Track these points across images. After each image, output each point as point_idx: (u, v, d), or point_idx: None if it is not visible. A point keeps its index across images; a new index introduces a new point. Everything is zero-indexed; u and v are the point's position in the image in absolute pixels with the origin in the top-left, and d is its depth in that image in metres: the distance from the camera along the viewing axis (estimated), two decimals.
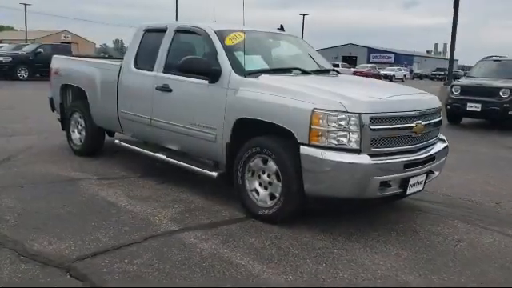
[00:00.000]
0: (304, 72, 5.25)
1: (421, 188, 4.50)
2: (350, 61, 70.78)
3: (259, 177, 4.50)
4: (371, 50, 79.87)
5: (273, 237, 4.10)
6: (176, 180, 5.69)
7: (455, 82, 13.15)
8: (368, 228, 4.42)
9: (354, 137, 3.93)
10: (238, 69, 4.78)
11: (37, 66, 23.05)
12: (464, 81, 13.23)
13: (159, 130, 5.50)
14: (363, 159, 3.94)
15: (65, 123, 7.18)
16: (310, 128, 3.97)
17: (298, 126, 4.07)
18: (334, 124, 3.93)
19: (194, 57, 4.93)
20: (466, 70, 40.69)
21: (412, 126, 4.25)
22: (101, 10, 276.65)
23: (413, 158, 4.28)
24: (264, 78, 4.69)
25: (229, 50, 4.95)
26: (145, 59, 5.85)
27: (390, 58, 77.28)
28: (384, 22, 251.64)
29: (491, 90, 11.84)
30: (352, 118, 3.91)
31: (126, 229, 4.15)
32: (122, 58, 7.69)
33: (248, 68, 4.79)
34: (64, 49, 26.04)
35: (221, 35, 5.08)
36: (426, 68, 73.61)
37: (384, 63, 70.14)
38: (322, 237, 4.16)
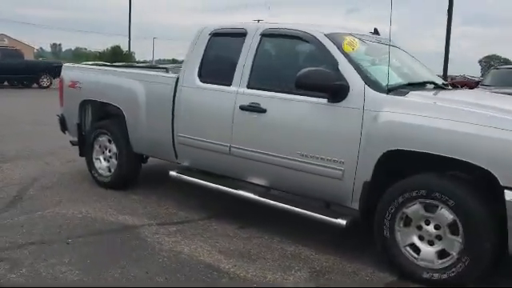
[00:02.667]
0: (437, 86, 4.23)
1: None
2: None
3: (419, 228, 3.40)
4: None
5: None
6: (258, 223, 4.48)
7: None
8: None
9: None
10: (374, 84, 3.68)
11: None
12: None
13: (242, 161, 4.28)
14: None
15: (85, 148, 5.75)
16: None
17: (499, 164, 3.01)
18: None
19: (314, 68, 3.75)
20: None
21: None
22: (37, 12, 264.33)
23: None
24: (416, 95, 3.63)
25: (352, 60, 3.83)
26: (215, 71, 4.62)
27: None
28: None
29: None
30: None
31: None
32: (164, 68, 6.44)
33: (385, 82, 3.69)
34: (15, 53, 23.78)
35: (335, 40, 3.95)
36: None
37: None
38: None
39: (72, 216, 4.54)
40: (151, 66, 7.20)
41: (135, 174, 5.53)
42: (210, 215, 4.72)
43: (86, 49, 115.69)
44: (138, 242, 3.98)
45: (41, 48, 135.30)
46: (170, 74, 5.02)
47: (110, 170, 5.52)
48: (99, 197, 5.20)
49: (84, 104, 5.70)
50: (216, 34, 4.69)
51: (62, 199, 5.07)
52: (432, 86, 4.23)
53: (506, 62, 53.00)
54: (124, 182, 5.46)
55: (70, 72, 5.90)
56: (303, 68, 3.80)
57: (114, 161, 5.46)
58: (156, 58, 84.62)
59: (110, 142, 5.47)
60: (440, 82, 4.60)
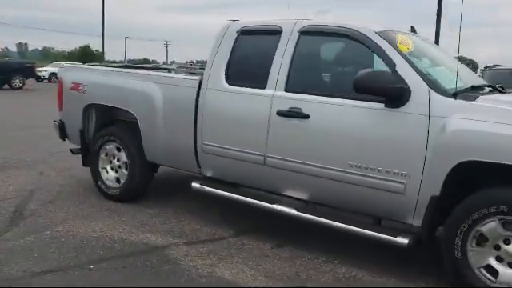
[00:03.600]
0: (495, 89, 3.90)
1: None
2: None
3: (496, 248, 3.05)
4: None
5: None
6: (294, 241, 4.09)
7: None
8: None
9: None
10: (438, 87, 3.32)
11: None
12: None
13: (279, 172, 3.86)
14: None
15: (89, 157, 5.22)
16: None
17: None
18: None
19: (375, 70, 3.37)
20: None
21: None
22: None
23: None
24: (486, 99, 3.30)
25: (410, 60, 3.46)
26: (245, 72, 4.19)
27: None
28: None
29: None
30: None
31: None
32: (166, 69, 5.95)
33: (448, 86, 3.34)
34: None
35: (389, 39, 3.58)
36: None
37: None
38: None
39: (86, 236, 4.03)
40: (155, 68, 6.68)
41: (146, 185, 5.04)
42: (237, 231, 4.28)
43: (53, 48, 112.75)
44: (170, 266, 3.51)
45: (6, 48, 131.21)
46: (192, 76, 4.55)
47: (118, 181, 5.02)
48: (110, 211, 4.71)
49: (88, 108, 5.17)
50: (244, 32, 4.25)
51: (69, 215, 4.55)
52: (489, 89, 3.89)
53: (472, 63, 53.90)
54: (135, 194, 4.97)
55: (72, 73, 5.37)
56: (350, 69, 3.44)
57: (123, 171, 4.96)
58: (126, 57, 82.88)
59: (118, 150, 4.97)
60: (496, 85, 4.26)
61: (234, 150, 4.08)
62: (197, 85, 4.32)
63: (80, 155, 5.36)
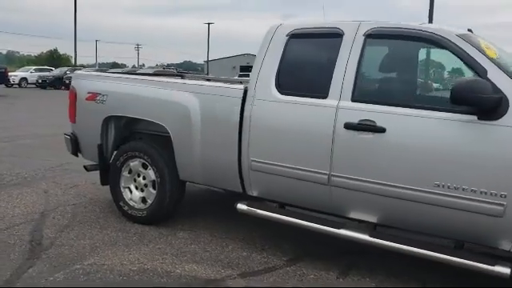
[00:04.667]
0: None
1: None
2: (247, 70, 70.24)
3: None
4: None
5: None
6: (360, 267, 3.67)
7: None
8: None
9: None
10: None
11: None
12: None
13: (347, 193, 3.44)
14: None
15: (109, 175, 4.69)
16: None
17: None
18: None
19: (474, 78, 2.99)
20: None
21: None
22: None
23: None
24: None
25: (503, 67, 3.09)
26: (300, 80, 3.76)
27: None
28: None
29: None
30: None
31: None
32: (179, 75, 5.45)
33: None
34: None
35: (473, 43, 3.20)
36: None
37: None
38: None
39: (124, 269, 3.52)
40: (171, 74, 6.16)
41: (176, 206, 4.53)
42: (291, 258, 3.85)
43: (18, 52, 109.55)
44: None
45: None
46: (236, 85, 4.07)
47: (144, 202, 4.51)
48: (140, 237, 4.19)
49: (108, 121, 4.64)
50: (296, 36, 3.81)
51: (96, 243, 4.02)
52: None
53: (440, 66, 54.74)
54: (165, 216, 4.47)
55: (87, 82, 4.81)
56: (428, 76, 3.03)
57: (150, 190, 4.45)
58: (93, 61, 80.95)
59: (144, 167, 4.46)
60: None
61: (288, 167, 3.63)
62: (241, 95, 3.86)
63: (89, 171, 4.91)
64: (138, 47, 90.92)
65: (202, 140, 4.03)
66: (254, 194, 3.96)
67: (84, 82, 4.82)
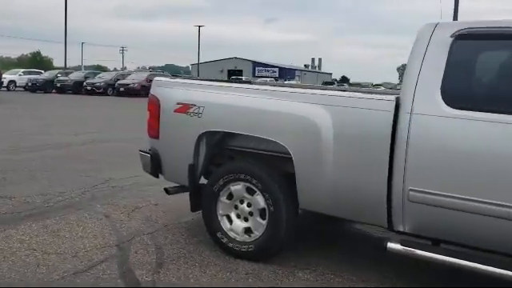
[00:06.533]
0: None
1: None
2: (234, 74, 69.66)
3: None
4: (256, 64, 79.32)
5: None
6: None
7: None
8: None
9: None
10: None
11: None
12: None
13: None
14: None
15: (202, 200, 3.95)
16: None
17: None
18: None
19: None
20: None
21: None
22: None
23: None
24: None
25: None
26: (478, 91, 3.10)
27: (275, 72, 77.45)
28: (244, 35, 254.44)
29: None
30: None
31: None
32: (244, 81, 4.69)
33: None
34: None
35: None
36: (307, 81, 75.34)
37: (269, 77, 70.12)
38: None
39: None
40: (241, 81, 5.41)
41: (291, 238, 3.82)
42: None
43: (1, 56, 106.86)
44: None
45: None
46: (383, 96, 3.36)
47: (248, 233, 3.77)
48: (255, 277, 3.47)
49: (202, 137, 3.90)
50: (464, 37, 3.12)
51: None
52: None
53: None
54: (277, 251, 3.74)
55: (176, 90, 4.06)
56: None
57: (258, 219, 3.72)
58: (76, 64, 79.05)
59: (250, 192, 3.73)
60: None
61: (466, 199, 2.94)
62: (392, 108, 3.17)
63: (170, 194, 4.27)
64: (122, 50, 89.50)
65: (334, 163, 3.33)
66: (403, 229, 3.26)
67: (171, 91, 4.07)
